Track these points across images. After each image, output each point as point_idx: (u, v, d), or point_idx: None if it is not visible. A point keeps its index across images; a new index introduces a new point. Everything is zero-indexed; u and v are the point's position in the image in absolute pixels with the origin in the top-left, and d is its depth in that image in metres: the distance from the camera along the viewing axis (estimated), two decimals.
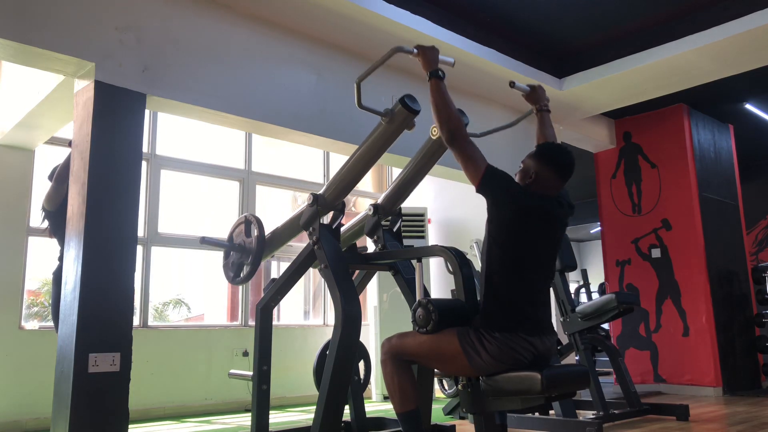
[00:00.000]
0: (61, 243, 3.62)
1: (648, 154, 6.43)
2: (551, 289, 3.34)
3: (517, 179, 2.34)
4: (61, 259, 3.57)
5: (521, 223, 2.21)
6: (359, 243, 3.21)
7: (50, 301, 3.85)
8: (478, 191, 2.25)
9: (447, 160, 2.78)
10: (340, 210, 2.79)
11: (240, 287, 5.67)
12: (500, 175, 2.23)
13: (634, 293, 5.64)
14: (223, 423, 4.59)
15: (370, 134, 2.61)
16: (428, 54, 2.38)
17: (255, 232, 2.97)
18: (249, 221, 3.03)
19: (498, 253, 2.22)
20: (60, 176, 3.57)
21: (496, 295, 2.20)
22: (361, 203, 7.07)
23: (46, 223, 3.74)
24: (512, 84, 2.70)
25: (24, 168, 4.62)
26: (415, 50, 2.40)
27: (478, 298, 2.32)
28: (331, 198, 2.74)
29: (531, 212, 2.21)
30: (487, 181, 2.21)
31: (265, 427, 2.84)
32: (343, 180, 2.72)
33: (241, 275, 3.05)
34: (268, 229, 3.05)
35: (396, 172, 6.54)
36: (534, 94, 2.75)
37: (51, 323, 4.14)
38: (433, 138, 2.71)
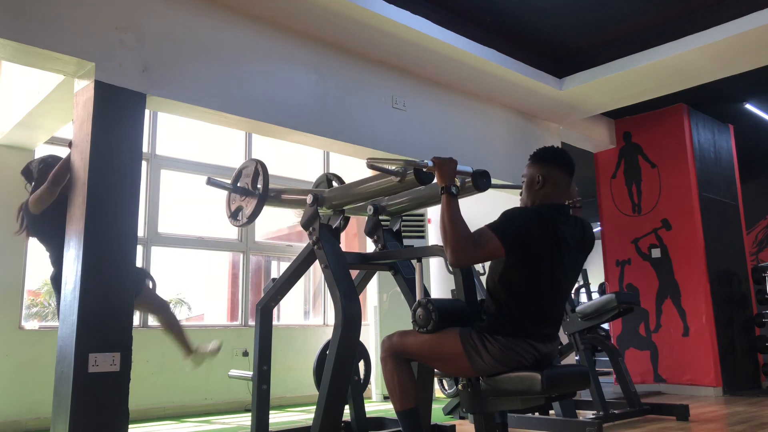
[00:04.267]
0: (49, 247, 3.53)
1: (648, 154, 6.43)
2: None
3: (523, 192, 2.29)
4: (54, 263, 3.49)
5: (537, 247, 2.13)
6: (359, 245, 3.20)
7: (51, 302, 3.83)
8: (508, 259, 2.15)
9: None
10: (340, 210, 2.79)
11: (240, 287, 5.68)
12: (510, 230, 2.11)
13: (634, 293, 5.63)
14: (223, 423, 4.58)
15: (379, 178, 2.50)
16: (444, 167, 2.20)
17: (260, 183, 2.86)
18: (257, 171, 2.88)
19: (510, 272, 2.16)
20: (56, 178, 3.47)
21: (503, 310, 2.16)
22: None
23: (23, 224, 3.50)
24: None
25: None
26: (430, 163, 2.22)
27: (479, 298, 2.31)
28: (332, 204, 2.75)
29: (545, 235, 2.14)
30: (509, 245, 2.10)
31: (265, 427, 2.85)
32: (347, 197, 2.72)
33: (238, 218, 2.94)
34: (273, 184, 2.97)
35: None
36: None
37: (51, 323, 4.13)
38: None
